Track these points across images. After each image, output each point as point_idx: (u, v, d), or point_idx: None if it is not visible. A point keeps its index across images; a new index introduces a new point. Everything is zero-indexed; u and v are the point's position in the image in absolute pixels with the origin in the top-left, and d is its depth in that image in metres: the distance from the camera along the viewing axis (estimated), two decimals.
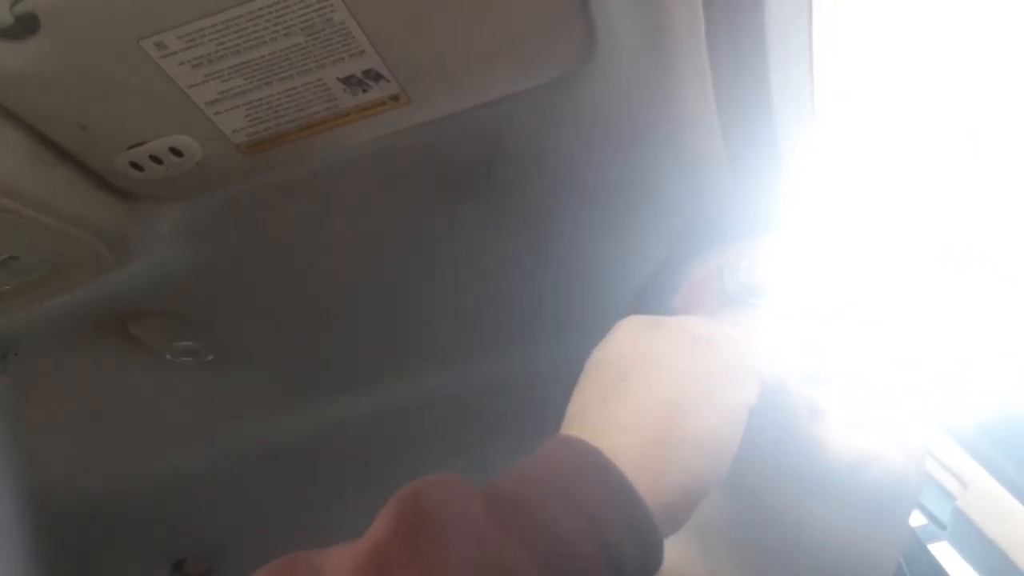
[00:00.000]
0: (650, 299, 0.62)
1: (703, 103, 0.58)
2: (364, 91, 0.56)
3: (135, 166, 0.59)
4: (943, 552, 0.69)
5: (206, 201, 0.65)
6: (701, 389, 0.39)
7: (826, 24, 0.54)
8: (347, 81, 0.55)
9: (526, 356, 0.91)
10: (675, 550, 0.52)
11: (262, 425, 0.97)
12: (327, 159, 0.63)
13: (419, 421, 1.00)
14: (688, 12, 0.51)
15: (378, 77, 0.55)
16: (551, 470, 0.35)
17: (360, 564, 0.32)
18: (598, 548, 0.33)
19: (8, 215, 0.58)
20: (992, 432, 0.70)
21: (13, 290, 0.67)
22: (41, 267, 0.66)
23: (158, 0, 0.48)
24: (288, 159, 0.61)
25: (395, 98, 0.58)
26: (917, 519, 0.65)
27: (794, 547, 0.47)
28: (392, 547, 0.32)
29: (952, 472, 0.67)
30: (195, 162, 0.60)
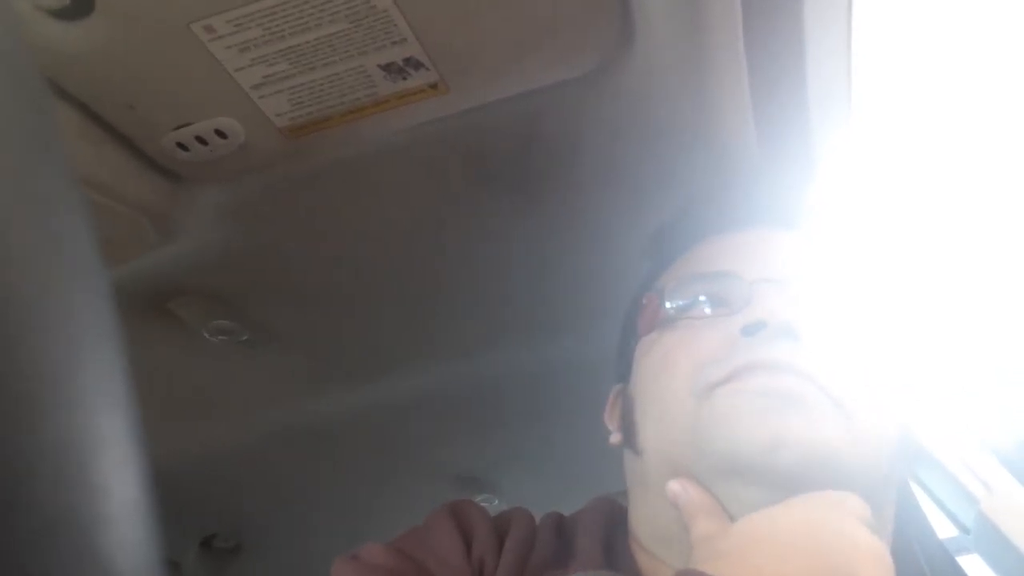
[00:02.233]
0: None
1: (738, 96, 0.58)
2: (404, 79, 0.57)
3: (181, 146, 0.61)
4: (971, 564, 0.69)
5: (247, 183, 0.66)
6: None
7: (865, 17, 0.54)
8: (388, 68, 0.56)
9: (557, 345, 0.91)
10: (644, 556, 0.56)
11: (293, 405, 0.99)
12: (365, 145, 0.64)
13: (446, 408, 1.01)
14: (726, 4, 0.51)
15: (418, 65, 0.56)
16: None
17: None
18: None
19: None
20: (1018, 436, 0.69)
21: None
22: None
23: None
24: (328, 144, 0.63)
25: (434, 86, 0.58)
26: (945, 529, 0.65)
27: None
28: None
29: (976, 476, 0.67)
30: (239, 144, 0.61)
